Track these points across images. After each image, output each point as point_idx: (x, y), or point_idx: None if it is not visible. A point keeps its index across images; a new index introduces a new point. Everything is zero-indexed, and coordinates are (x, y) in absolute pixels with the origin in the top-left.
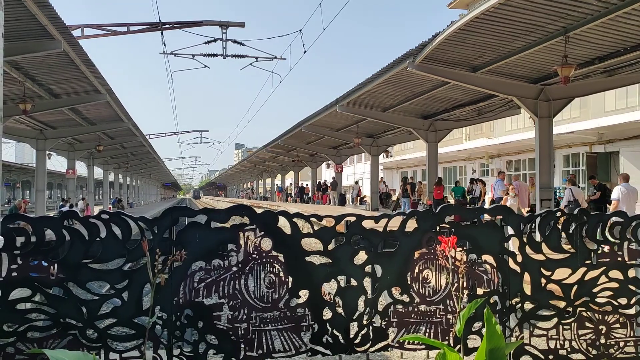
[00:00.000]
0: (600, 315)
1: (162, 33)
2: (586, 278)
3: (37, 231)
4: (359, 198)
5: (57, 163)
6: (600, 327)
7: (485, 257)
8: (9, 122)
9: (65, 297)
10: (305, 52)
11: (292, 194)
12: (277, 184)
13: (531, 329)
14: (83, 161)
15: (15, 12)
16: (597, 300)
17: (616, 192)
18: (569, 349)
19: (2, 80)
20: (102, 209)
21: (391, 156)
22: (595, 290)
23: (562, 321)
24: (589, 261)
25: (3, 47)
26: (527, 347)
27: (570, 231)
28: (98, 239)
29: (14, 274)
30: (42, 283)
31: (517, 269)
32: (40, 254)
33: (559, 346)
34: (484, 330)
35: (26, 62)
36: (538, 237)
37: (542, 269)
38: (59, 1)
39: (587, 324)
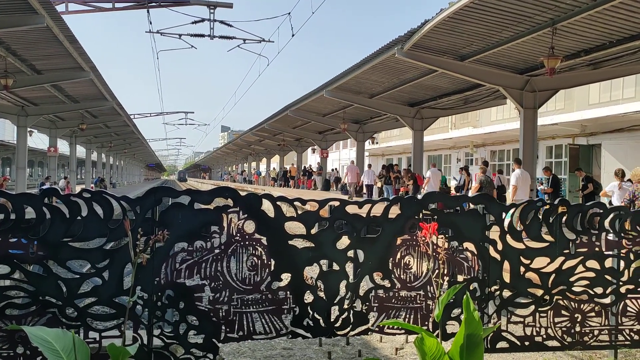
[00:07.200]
0: (576, 304)
1: (148, 11)
2: (564, 267)
3: (17, 208)
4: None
5: (38, 141)
6: (576, 315)
7: (466, 244)
8: None
9: (44, 275)
10: (293, 35)
11: (276, 178)
12: (253, 168)
13: (509, 316)
14: (65, 139)
15: None
16: (574, 289)
17: (514, 177)
18: (544, 336)
19: None
20: (84, 188)
21: (377, 143)
22: (572, 279)
23: (539, 309)
24: (567, 251)
25: None
26: (504, 333)
27: (550, 221)
28: (79, 217)
29: None
30: (21, 260)
31: (497, 257)
32: (19, 231)
33: (534, 333)
34: (462, 317)
35: (8, 36)
36: (518, 226)
37: (521, 258)
38: None
39: (563, 312)
